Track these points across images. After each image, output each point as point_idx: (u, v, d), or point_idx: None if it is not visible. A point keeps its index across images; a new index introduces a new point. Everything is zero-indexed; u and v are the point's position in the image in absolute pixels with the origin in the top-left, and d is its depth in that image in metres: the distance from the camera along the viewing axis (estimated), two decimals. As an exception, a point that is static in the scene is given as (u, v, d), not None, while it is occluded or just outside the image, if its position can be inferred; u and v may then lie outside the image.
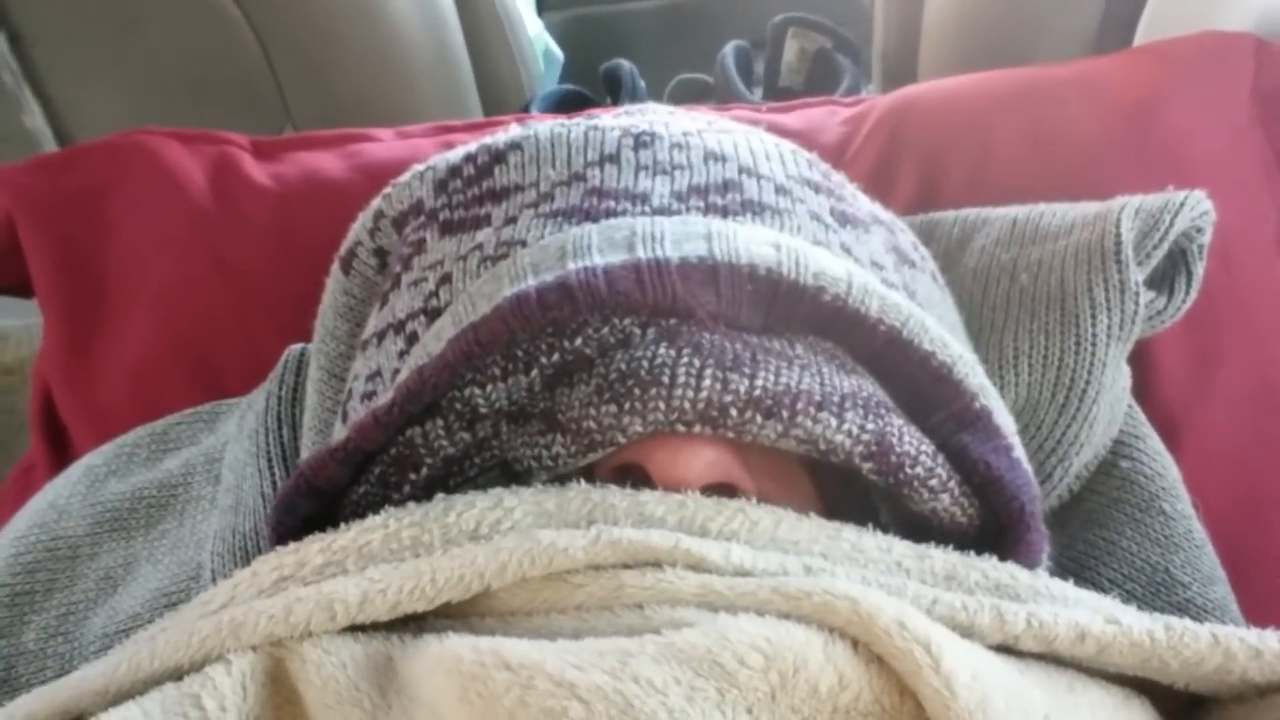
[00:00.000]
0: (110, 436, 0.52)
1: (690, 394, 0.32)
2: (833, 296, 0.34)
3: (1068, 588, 0.33)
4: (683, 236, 0.34)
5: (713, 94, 1.07)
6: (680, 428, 0.32)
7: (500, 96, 0.91)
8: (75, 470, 0.50)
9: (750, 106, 0.68)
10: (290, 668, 0.30)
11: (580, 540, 0.30)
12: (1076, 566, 0.43)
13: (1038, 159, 0.55)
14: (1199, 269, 0.46)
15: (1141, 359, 0.49)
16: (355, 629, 0.30)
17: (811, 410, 0.32)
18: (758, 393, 0.32)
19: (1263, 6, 0.62)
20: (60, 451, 0.56)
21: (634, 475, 0.33)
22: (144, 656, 0.30)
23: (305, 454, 0.45)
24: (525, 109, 0.92)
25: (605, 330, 0.34)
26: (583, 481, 0.32)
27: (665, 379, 0.32)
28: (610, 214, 0.37)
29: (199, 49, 0.78)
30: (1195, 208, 0.44)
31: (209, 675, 0.29)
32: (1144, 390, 0.49)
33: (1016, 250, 0.47)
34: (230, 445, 0.49)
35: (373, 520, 0.32)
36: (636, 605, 0.30)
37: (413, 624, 0.31)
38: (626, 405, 0.32)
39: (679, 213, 0.37)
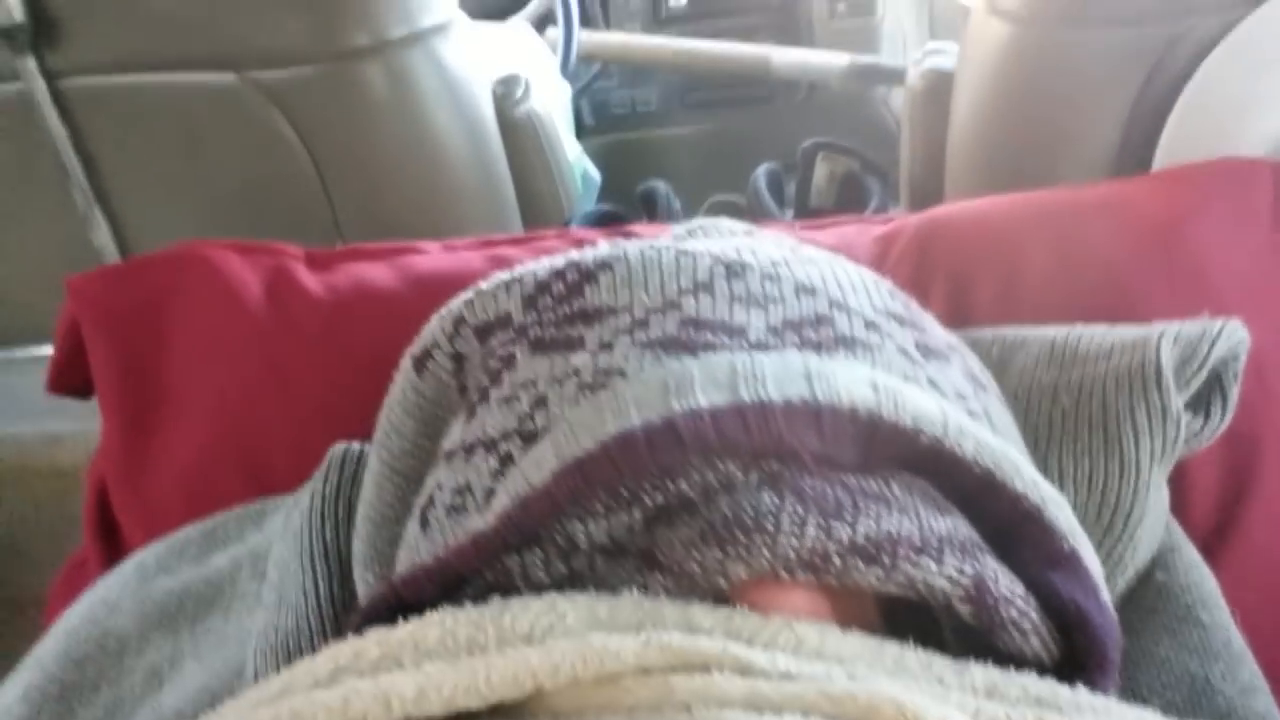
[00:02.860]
0: (162, 534, 0.53)
1: (795, 542, 0.32)
2: (930, 439, 0.34)
3: (1110, 703, 0.32)
4: (783, 377, 0.35)
5: (745, 215, 1.11)
6: (784, 574, 0.32)
7: (541, 216, 0.94)
8: (127, 566, 0.51)
9: (784, 224, 0.71)
10: (344, 759, 0.30)
11: (631, 644, 0.30)
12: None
13: (1066, 278, 0.56)
14: (1234, 392, 0.47)
15: (1178, 475, 0.49)
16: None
17: (912, 555, 0.33)
18: (860, 540, 0.32)
19: (1277, 133, 0.65)
20: (112, 548, 0.57)
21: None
22: None
23: (357, 544, 0.46)
24: (565, 226, 0.96)
25: (709, 474, 0.34)
26: (635, 592, 0.33)
27: (770, 526, 0.32)
28: (708, 347, 0.37)
29: (257, 171, 0.82)
30: (1232, 336, 0.45)
31: None
32: (1181, 505, 0.50)
33: (1057, 373, 0.48)
34: (276, 542, 0.50)
35: (430, 617, 0.33)
36: (685, 706, 0.30)
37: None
38: (731, 551, 0.32)
39: (775, 348, 0.38)
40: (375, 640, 0.32)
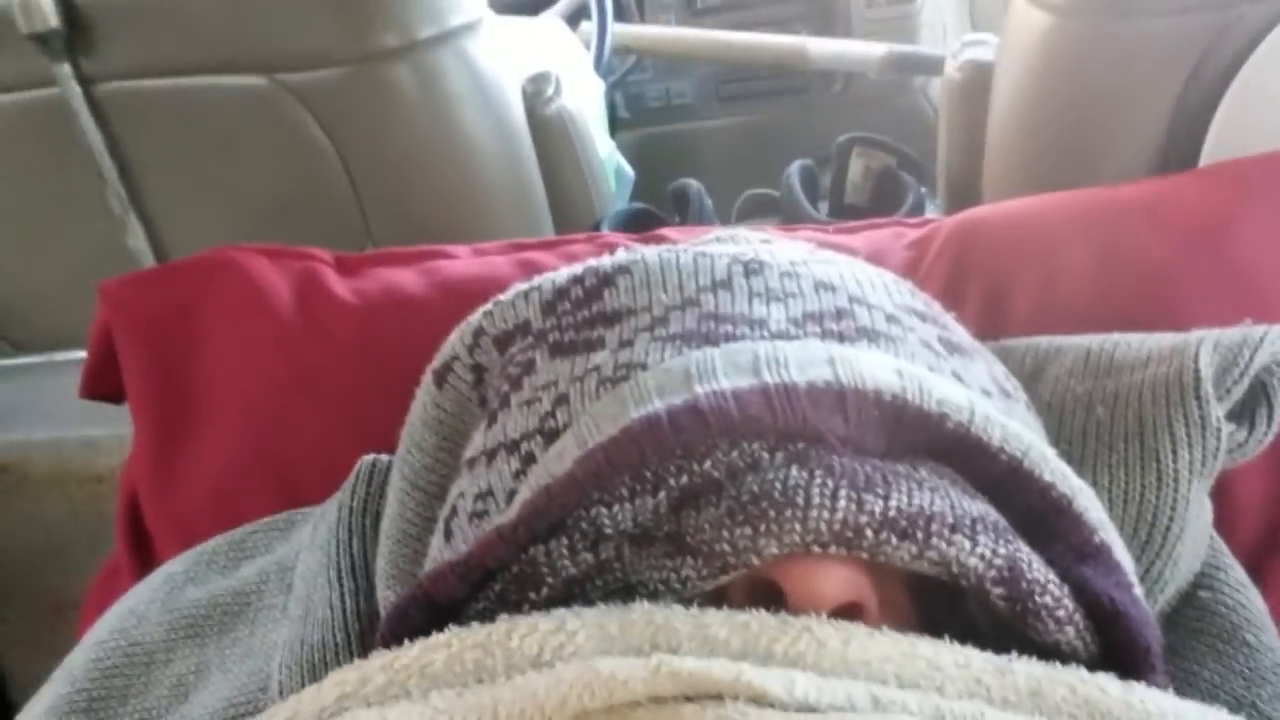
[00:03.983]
0: (192, 543, 0.53)
1: (826, 515, 0.32)
2: (956, 424, 0.34)
3: (1165, 699, 0.31)
4: (806, 361, 0.35)
5: (778, 210, 1.09)
6: (816, 549, 0.32)
7: (572, 215, 0.94)
8: (156, 577, 0.51)
9: (816, 226, 0.70)
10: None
11: (640, 672, 0.29)
12: None
13: (1106, 283, 0.55)
14: (1279, 401, 0.45)
15: (1223, 491, 0.48)
16: None
17: (945, 532, 0.32)
18: (892, 514, 0.32)
19: (1330, 128, 0.62)
20: (144, 556, 0.57)
21: (765, 595, 0.33)
22: None
23: (380, 562, 0.46)
24: (596, 227, 0.95)
25: (734, 454, 0.34)
26: (646, 603, 0.32)
27: (800, 500, 0.32)
28: (729, 338, 0.37)
29: (290, 175, 0.82)
30: (1276, 342, 0.43)
31: None
32: (1226, 522, 0.48)
33: (1091, 382, 0.47)
34: (303, 554, 0.50)
35: (436, 639, 0.32)
36: None
37: None
38: (762, 527, 0.32)
39: (797, 338, 0.37)
40: (380, 665, 0.32)
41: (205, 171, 0.84)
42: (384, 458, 0.52)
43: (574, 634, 0.31)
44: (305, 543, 0.51)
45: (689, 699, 0.30)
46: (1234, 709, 0.41)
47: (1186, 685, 0.42)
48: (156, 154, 0.83)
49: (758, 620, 0.31)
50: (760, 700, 0.29)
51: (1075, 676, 0.31)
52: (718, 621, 0.31)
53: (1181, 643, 0.43)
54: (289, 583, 0.50)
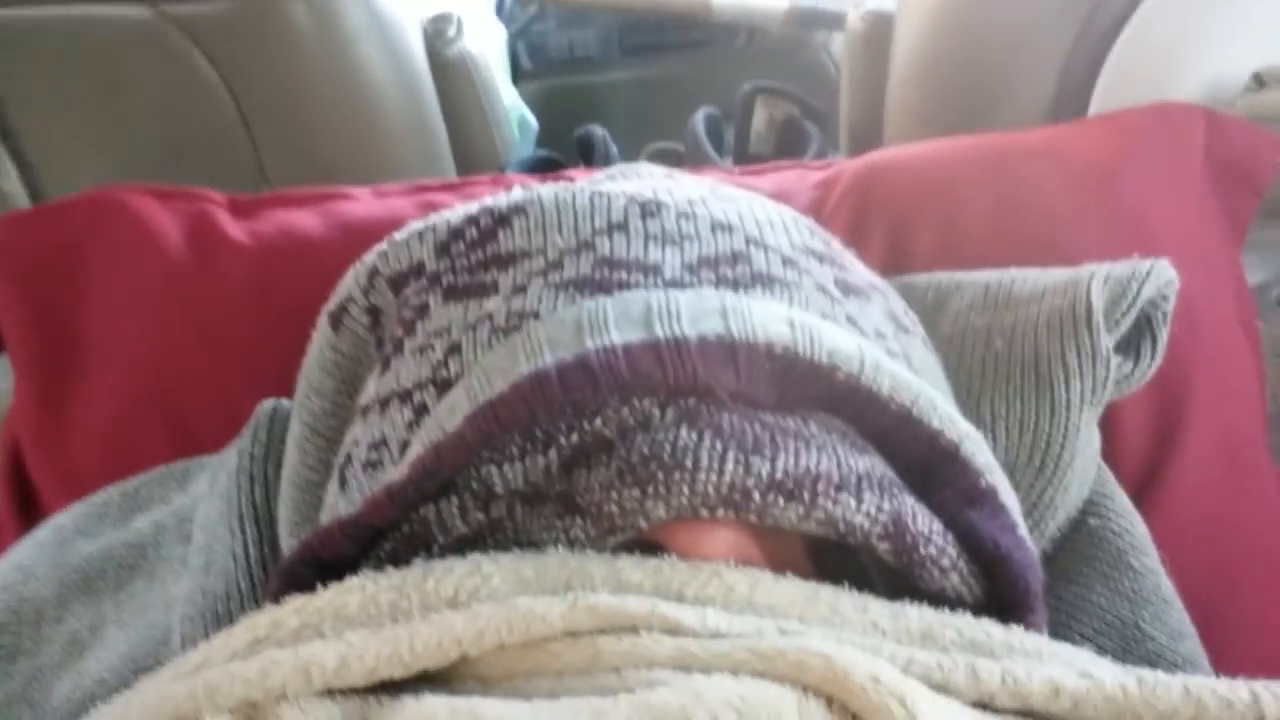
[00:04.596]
0: (81, 495, 0.51)
1: (714, 478, 0.32)
2: (846, 375, 0.34)
3: (1042, 642, 0.33)
4: (698, 313, 0.34)
5: (684, 162, 1.09)
6: (704, 512, 0.32)
7: (475, 160, 0.92)
8: (43, 530, 0.49)
9: (723, 169, 0.70)
10: (266, 729, 0.29)
11: (557, 607, 0.30)
12: (1050, 624, 0.44)
13: (1004, 223, 0.56)
14: (1164, 334, 0.47)
15: (1110, 421, 0.50)
16: (332, 690, 0.30)
17: (831, 492, 0.33)
18: (779, 476, 0.32)
19: (1211, 77, 0.65)
20: (28, 512, 0.55)
21: (651, 553, 0.33)
22: None
23: (282, 510, 0.45)
24: (500, 172, 0.93)
25: (625, 411, 0.33)
26: (561, 549, 0.32)
27: (689, 463, 0.32)
28: (622, 286, 0.37)
29: (177, 112, 0.78)
30: (1161, 276, 0.45)
31: None
32: (1112, 452, 0.50)
33: (990, 316, 0.48)
34: (202, 504, 0.49)
35: (350, 582, 0.32)
36: (613, 668, 0.29)
37: (391, 685, 0.31)
38: (650, 490, 0.32)
39: (691, 285, 0.37)
40: (294, 609, 0.31)
41: (86, 110, 0.80)
42: (284, 403, 0.50)
43: (489, 577, 0.31)
44: (204, 492, 0.49)
45: (604, 633, 0.30)
46: (1120, 630, 0.43)
47: (1078, 609, 0.44)
48: (31, 89, 0.79)
49: (669, 565, 0.32)
50: (674, 631, 0.30)
51: (964, 621, 0.32)
52: (631, 566, 0.32)
53: (1073, 568, 0.45)
54: (187, 533, 0.48)
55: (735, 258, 0.39)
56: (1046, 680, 0.30)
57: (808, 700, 0.27)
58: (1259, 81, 0.65)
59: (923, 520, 0.34)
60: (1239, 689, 0.30)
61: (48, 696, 0.44)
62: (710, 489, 0.32)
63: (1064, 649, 0.33)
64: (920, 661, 0.30)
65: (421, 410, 0.37)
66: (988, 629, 0.32)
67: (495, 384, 0.33)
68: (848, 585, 0.33)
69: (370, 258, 0.44)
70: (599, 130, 0.99)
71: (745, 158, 1.07)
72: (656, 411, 0.33)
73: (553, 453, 0.34)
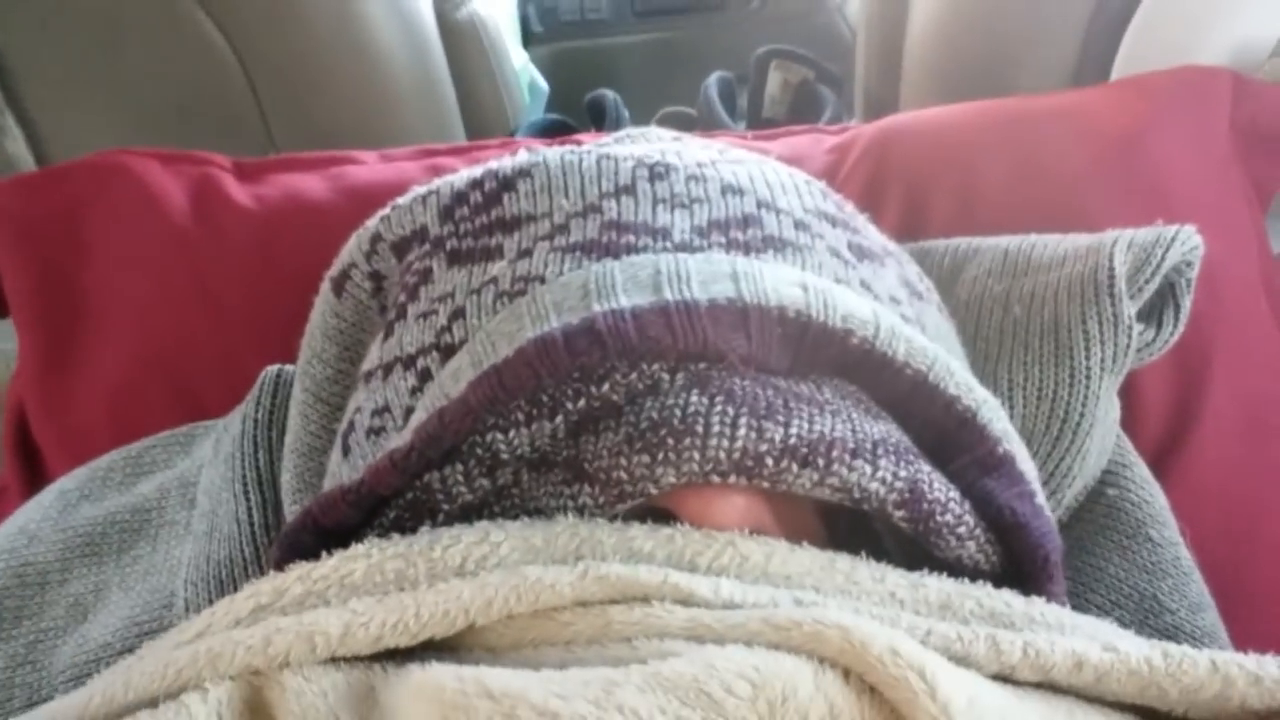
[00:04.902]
0: (86, 459, 0.51)
1: (725, 444, 0.31)
2: (860, 339, 0.33)
3: (1064, 614, 0.32)
4: (709, 276, 0.33)
5: (696, 125, 1.08)
6: (715, 478, 0.31)
7: (485, 124, 0.90)
8: (47, 494, 0.49)
9: (736, 134, 0.69)
10: (269, 696, 0.29)
11: (567, 576, 0.29)
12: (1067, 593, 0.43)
13: (1023, 189, 0.55)
14: (1187, 302, 0.46)
15: (1130, 390, 0.49)
16: (336, 658, 0.30)
17: (846, 458, 0.32)
18: (793, 441, 0.31)
19: (1237, 40, 0.63)
20: (34, 475, 0.55)
21: (662, 521, 0.32)
22: (118, 688, 0.29)
23: (285, 477, 0.44)
24: (510, 136, 0.92)
25: (634, 376, 0.33)
26: (571, 516, 0.32)
27: (699, 429, 0.31)
28: (630, 249, 0.36)
29: (182, 74, 0.77)
30: (1186, 242, 0.44)
31: (184, 703, 0.28)
32: (1132, 421, 0.49)
33: (1009, 282, 0.47)
34: (205, 469, 0.49)
35: (355, 549, 0.31)
36: (625, 639, 0.29)
37: (397, 654, 0.30)
38: (660, 456, 0.31)
39: (701, 249, 0.36)
40: (298, 576, 0.31)
41: (91, 73, 0.79)
42: (289, 368, 0.50)
43: (498, 545, 0.31)
44: (208, 457, 0.49)
45: (615, 602, 0.29)
46: (1138, 602, 0.42)
47: (1094, 580, 0.43)
48: (37, 52, 0.77)
49: (682, 534, 0.31)
50: (686, 601, 0.29)
51: (983, 591, 0.32)
52: (642, 535, 0.31)
53: (1090, 538, 0.44)
54: (191, 498, 0.48)
55: (746, 221, 0.38)
56: (1069, 653, 0.29)
57: (824, 672, 0.27)
58: (1288, 44, 0.64)
59: (939, 487, 0.33)
60: (1267, 664, 0.29)
61: (51, 659, 0.44)
62: (722, 454, 0.31)
63: (1087, 621, 0.32)
64: (939, 633, 0.29)
65: (425, 376, 0.36)
66: (1008, 600, 0.32)
67: (500, 349, 0.33)
68: (864, 554, 0.33)
69: (373, 222, 0.44)
70: (610, 94, 0.97)
71: (759, 122, 1.06)
72: (666, 376, 0.33)
73: (559, 418, 0.33)
